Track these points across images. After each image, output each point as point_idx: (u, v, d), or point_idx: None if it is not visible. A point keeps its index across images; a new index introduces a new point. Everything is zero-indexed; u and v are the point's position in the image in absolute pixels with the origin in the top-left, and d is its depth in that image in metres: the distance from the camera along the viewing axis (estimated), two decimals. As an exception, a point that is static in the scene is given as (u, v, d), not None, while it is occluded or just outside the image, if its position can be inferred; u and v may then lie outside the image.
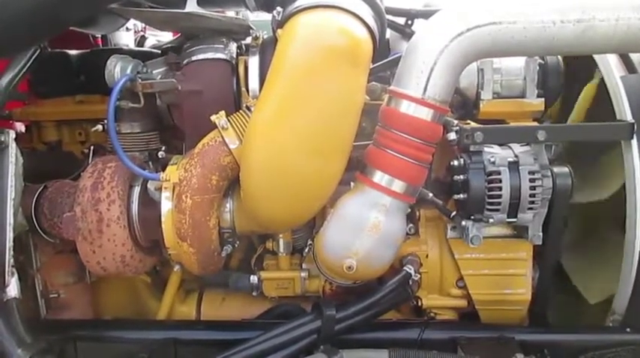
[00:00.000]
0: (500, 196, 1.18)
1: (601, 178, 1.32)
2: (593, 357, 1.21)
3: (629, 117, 1.21)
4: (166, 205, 1.25)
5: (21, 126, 1.74)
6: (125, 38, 2.10)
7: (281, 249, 1.40)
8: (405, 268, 1.26)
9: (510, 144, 1.24)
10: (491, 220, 1.20)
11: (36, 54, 1.26)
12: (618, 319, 1.25)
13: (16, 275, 1.20)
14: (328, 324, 1.18)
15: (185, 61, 1.35)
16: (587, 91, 1.35)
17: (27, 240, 1.48)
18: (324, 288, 1.41)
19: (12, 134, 1.23)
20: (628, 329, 1.23)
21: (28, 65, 1.25)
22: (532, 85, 1.29)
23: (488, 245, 1.29)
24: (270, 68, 1.12)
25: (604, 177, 1.31)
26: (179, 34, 1.65)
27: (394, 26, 1.51)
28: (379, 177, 1.10)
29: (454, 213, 1.28)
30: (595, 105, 1.34)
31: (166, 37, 2.35)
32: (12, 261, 1.19)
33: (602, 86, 1.29)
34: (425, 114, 1.08)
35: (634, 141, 1.20)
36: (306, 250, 1.38)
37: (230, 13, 1.68)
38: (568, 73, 1.32)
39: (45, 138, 1.76)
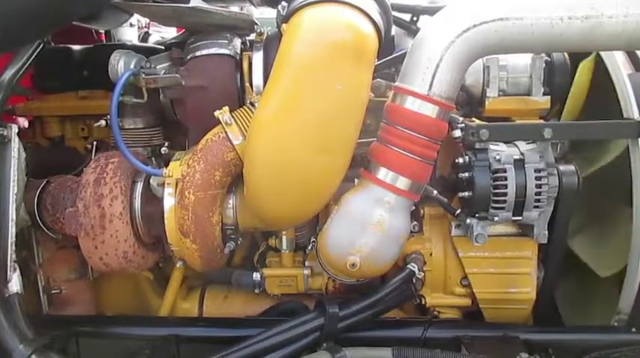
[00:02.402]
0: (505, 194, 1.17)
1: (599, 149, 1.32)
2: (598, 357, 1.19)
3: (636, 116, 1.20)
4: (169, 201, 1.24)
5: (24, 122, 1.74)
6: (129, 34, 2.09)
7: (284, 246, 1.40)
8: (408, 266, 1.25)
9: (516, 142, 1.24)
10: (496, 218, 1.19)
11: (39, 48, 1.26)
12: (624, 319, 1.24)
13: (18, 271, 1.19)
14: (331, 322, 1.17)
15: (189, 57, 1.34)
16: (584, 68, 1.33)
17: (29, 235, 1.48)
18: (327, 286, 1.41)
19: (15, 129, 1.22)
20: (633, 329, 1.22)
21: (31, 60, 1.24)
22: (538, 83, 1.28)
23: (493, 243, 1.28)
24: (274, 63, 1.11)
25: (602, 146, 1.31)
26: (183, 30, 1.64)
27: (399, 23, 1.50)
28: (384, 173, 1.09)
29: (459, 210, 1.27)
30: (598, 101, 1.33)
31: (170, 33, 2.34)
32: (14, 256, 1.18)
33: (604, 76, 1.27)
34: (430, 110, 1.07)
35: (641, 140, 1.19)
36: (309, 247, 1.37)
37: (234, 9, 1.67)
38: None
39: (48, 134, 1.76)
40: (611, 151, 1.28)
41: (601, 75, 1.29)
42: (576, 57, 1.34)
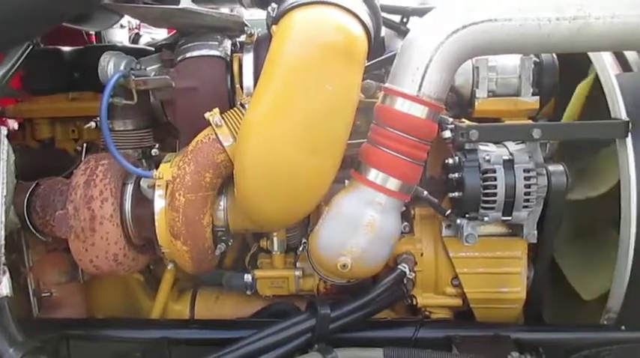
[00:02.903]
0: (495, 194, 1.18)
1: (596, 175, 1.32)
2: (588, 355, 1.20)
3: (624, 116, 1.21)
4: (160, 203, 1.24)
5: (13, 124, 1.73)
6: (119, 35, 2.08)
7: (275, 248, 1.40)
8: (399, 267, 1.26)
9: (505, 143, 1.24)
10: (486, 218, 1.20)
11: (28, 50, 1.25)
12: (613, 317, 1.25)
13: (7, 274, 1.18)
14: (323, 323, 1.17)
15: (179, 58, 1.34)
16: (581, 90, 1.35)
17: (19, 238, 1.47)
18: (318, 287, 1.41)
19: (4, 131, 1.21)
20: (623, 327, 1.23)
21: (20, 61, 1.24)
22: (527, 84, 1.28)
23: (483, 243, 1.29)
24: (264, 65, 1.11)
25: (599, 173, 1.31)
26: (173, 32, 1.64)
27: (389, 24, 1.50)
28: (374, 174, 1.10)
29: (449, 211, 1.28)
30: (589, 104, 1.34)
31: (160, 34, 2.33)
32: (4, 259, 1.17)
33: (597, 84, 1.28)
34: (420, 111, 1.07)
35: (628, 140, 1.20)
36: (301, 248, 1.37)
37: (224, 10, 1.67)
38: (562, 70, 1.32)
39: (38, 136, 1.75)
40: (606, 182, 1.28)
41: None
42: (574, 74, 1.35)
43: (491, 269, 1.32)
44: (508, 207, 1.19)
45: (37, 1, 1.14)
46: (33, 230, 1.38)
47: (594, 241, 1.37)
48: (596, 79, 1.29)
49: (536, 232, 1.26)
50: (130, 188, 1.30)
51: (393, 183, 1.09)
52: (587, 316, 1.34)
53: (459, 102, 1.34)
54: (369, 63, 1.24)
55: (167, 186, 1.22)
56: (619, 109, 1.22)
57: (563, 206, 1.25)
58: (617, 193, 1.22)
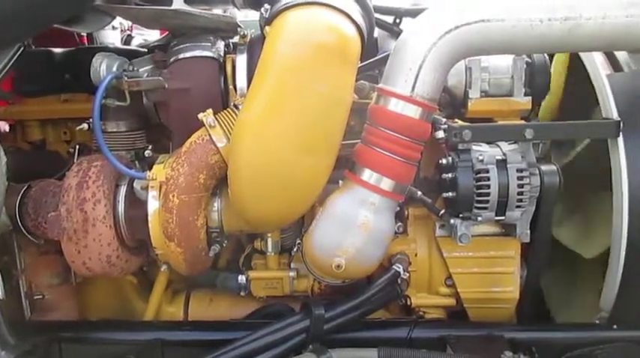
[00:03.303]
0: (488, 194, 1.18)
1: (588, 229, 1.35)
2: (581, 354, 1.21)
3: (615, 115, 1.22)
4: (153, 204, 1.23)
5: (5, 126, 1.72)
6: (111, 37, 2.08)
7: (269, 249, 1.39)
8: (393, 267, 1.26)
9: (498, 143, 1.25)
10: (479, 218, 1.20)
11: (20, 52, 1.24)
12: (605, 316, 1.26)
13: (-1, 276, 1.18)
14: (317, 323, 1.17)
15: (172, 59, 1.34)
16: (558, 65, 1.36)
17: (11, 240, 1.46)
18: (312, 288, 1.41)
19: (-5, 132, 1.21)
20: (615, 326, 1.24)
21: (11, 63, 1.23)
22: (519, 84, 1.29)
23: (477, 243, 1.29)
24: (257, 66, 1.11)
25: (593, 232, 1.34)
26: (166, 33, 1.64)
27: (382, 25, 1.51)
28: (368, 175, 1.10)
29: (443, 211, 1.28)
30: (580, 102, 1.35)
31: (153, 36, 2.33)
32: (-5, 261, 1.17)
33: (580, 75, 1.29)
34: (413, 112, 1.07)
35: (620, 139, 1.21)
36: (295, 249, 1.37)
37: (217, 11, 1.67)
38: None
39: (29, 138, 1.74)
40: (582, 139, 1.30)
41: (579, 74, 1.31)
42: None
43: (485, 269, 1.32)
44: (501, 207, 1.19)
45: (28, 3, 1.13)
46: (25, 232, 1.37)
47: (587, 206, 1.38)
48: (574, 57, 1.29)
49: (529, 232, 1.27)
50: (123, 189, 1.29)
51: (386, 184, 1.09)
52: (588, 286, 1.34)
53: (451, 103, 1.34)
54: (362, 63, 1.24)
55: (161, 188, 1.22)
56: (610, 109, 1.22)
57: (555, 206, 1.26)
58: (590, 151, 1.23)
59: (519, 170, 1.19)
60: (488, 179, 1.18)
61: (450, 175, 1.22)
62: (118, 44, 2.09)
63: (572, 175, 1.31)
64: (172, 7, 1.29)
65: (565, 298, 1.42)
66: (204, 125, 1.21)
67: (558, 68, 1.38)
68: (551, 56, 1.33)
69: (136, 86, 1.33)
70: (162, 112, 1.40)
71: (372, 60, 1.31)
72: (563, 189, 1.27)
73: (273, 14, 1.15)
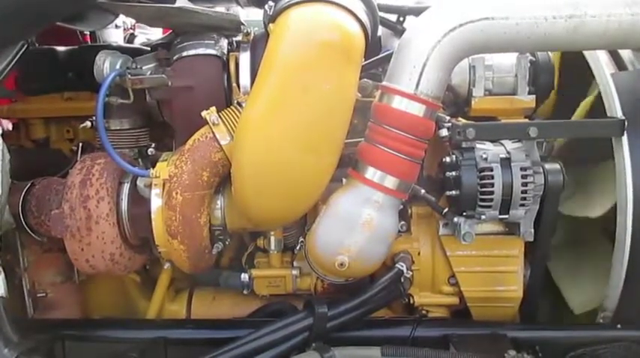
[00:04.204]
0: (492, 193, 1.18)
1: (593, 193, 1.32)
2: (584, 354, 1.21)
3: (620, 114, 1.22)
4: (156, 202, 1.23)
5: (8, 124, 1.72)
6: (114, 35, 2.08)
7: (272, 247, 1.39)
8: (397, 265, 1.25)
9: (502, 141, 1.25)
10: (483, 217, 1.20)
11: (23, 50, 1.24)
12: (609, 315, 1.25)
13: (2, 274, 1.17)
14: (320, 322, 1.17)
15: (175, 57, 1.34)
16: (581, 111, 1.35)
17: (14, 238, 1.46)
18: (315, 286, 1.41)
19: (-2, 130, 1.21)
20: (619, 326, 1.24)
21: (14, 61, 1.23)
22: (523, 82, 1.28)
23: (480, 242, 1.29)
24: (261, 63, 1.11)
25: (596, 192, 1.32)
26: (169, 32, 1.64)
27: (386, 23, 1.50)
28: (371, 173, 1.09)
29: (446, 209, 1.28)
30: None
31: (156, 34, 2.33)
32: (-1, 259, 1.17)
33: (599, 102, 1.28)
34: (417, 109, 1.07)
35: (624, 138, 1.20)
36: (298, 247, 1.37)
37: (220, 9, 1.67)
38: (564, 70, 1.32)
39: (33, 136, 1.75)
40: (603, 204, 1.28)
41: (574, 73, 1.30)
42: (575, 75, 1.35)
43: (488, 268, 1.32)
44: (505, 206, 1.19)
45: (31, 0, 1.13)
46: (28, 230, 1.38)
47: (586, 252, 1.37)
48: (598, 99, 1.28)
49: (532, 231, 1.26)
50: (126, 187, 1.30)
51: (390, 182, 1.09)
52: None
53: (455, 101, 1.34)
54: (366, 62, 1.24)
55: (164, 185, 1.22)
56: (615, 108, 1.22)
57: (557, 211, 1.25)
58: (614, 214, 1.21)
59: (523, 168, 1.18)
60: (492, 177, 1.17)
61: (453, 174, 1.21)
62: (121, 43, 2.09)
63: (582, 230, 1.32)
64: (176, 5, 1.29)
65: (572, 275, 1.40)
66: (207, 123, 1.21)
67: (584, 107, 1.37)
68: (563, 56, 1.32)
69: (139, 84, 1.33)
70: (166, 110, 1.40)
71: (375, 58, 1.31)
72: (564, 231, 1.28)
73: (277, 12, 1.15)
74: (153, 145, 1.42)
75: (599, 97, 1.27)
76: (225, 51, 1.37)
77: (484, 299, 1.34)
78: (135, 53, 1.44)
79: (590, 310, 1.31)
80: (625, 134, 1.20)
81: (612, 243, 1.22)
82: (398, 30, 1.51)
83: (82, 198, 1.23)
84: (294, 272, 1.39)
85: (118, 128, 1.42)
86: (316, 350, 1.09)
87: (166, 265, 1.35)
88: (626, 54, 1.33)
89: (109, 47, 1.51)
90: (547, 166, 1.24)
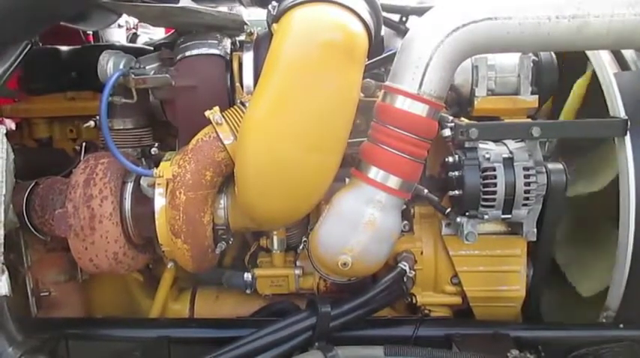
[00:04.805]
0: (495, 192, 1.18)
1: (594, 170, 1.33)
2: (587, 353, 1.21)
3: (622, 114, 1.22)
4: (160, 201, 1.24)
5: (11, 124, 1.73)
6: (117, 35, 2.08)
7: (275, 246, 1.40)
8: (399, 265, 1.26)
9: (505, 141, 1.25)
10: (486, 216, 1.20)
11: (26, 49, 1.24)
12: (612, 315, 1.25)
13: (6, 273, 1.18)
14: (323, 321, 1.17)
15: (179, 57, 1.34)
16: (578, 88, 1.35)
17: (18, 237, 1.47)
18: (318, 285, 1.41)
19: (2, 130, 1.21)
20: (621, 325, 1.24)
21: (18, 61, 1.23)
22: (526, 82, 1.29)
23: (483, 241, 1.29)
24: (265, 63, 1.11)
25: (597, 169, 1.32)
26: (172, 32, 1.64)
27: (389, 23, 1.51)
28: (374, 172, 1.10)
29: (449, 209, 1.28)
30: (588, 101, 1.35)
31: (158, 34, 2.33)
32: (2, 258, 1.17)
33: (594, 82, 1.28)
34: (420, 109, 1.07)
35: (627, 138, 1.20)
36: (301, 247, 1.37)
37: (223, 9, 1.67)
38: (561, 68, 1.32)
39: (36, 135, 1.75)
40: (604, 177, 1.29)
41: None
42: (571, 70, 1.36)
43: (491, 268, 1.32)
44: (508, 205, 1.19)
45: (34, 0, 1.14)
46: (32, 229, 1.38)
47: (593, 238, 1.37)
48: (594, 77, 1.29)
49: (535, 230, 1.26)
50: (129, 186, 1.30)
51: (393, 181, 1.09)
52: (584, 315, 1.34)
53: (458, 101, 1.34)
54: (369, 61, 1.24)
55: (167, 185, 1.22)
56: (617, 108, 1.22)
57: (563, 204, 1.25)
58: (616, 188, 1.22)
59: (526, 168, 1.18)
60: (495, 177, 1.18)
61: (456, 173, 1.21)
62: (124, 42, 2.09)
63: (585, 207, 1.32)
64: (179, 5, 1.29)
65: (578, 260, 1.39)
66: (210, 122, 1.21)
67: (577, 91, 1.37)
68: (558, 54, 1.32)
69: (142, 84, 1.33)
70: (169, 110, 1.41)
71: (378, 58, 1.32)
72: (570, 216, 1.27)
73: (281, 12, 1.15)
74: (156, 145, 1.42)
75: (594, 76, 1.27)
76: (229, 51, 1.37)
77: (487, 298, 1.34)
78: (138, 53, 1.44)
79: (597, 292, 1.29)
80: (628, 134, 1.20)
81: (616, 226, 1.21)
82: (401, 30, 1.51)
83: (86, 198, 1.23)
84: (297, 271, 1.39)
85: (122, 128, 1.42)
86: (319, 350, 1.09)
87: (169, 264, 1.36)
88: (629, 54, 1.33)
89: (112, 47, 1.52)
90: (550, 166, 1.24)
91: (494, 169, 1.18)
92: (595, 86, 1.28)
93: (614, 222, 1.22)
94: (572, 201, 1.31)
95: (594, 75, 1.29)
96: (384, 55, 1.33)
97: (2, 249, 1.17)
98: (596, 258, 1.32)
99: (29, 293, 1.51)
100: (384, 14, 1.43)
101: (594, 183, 1.30)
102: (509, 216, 1.21)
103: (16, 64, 1.23)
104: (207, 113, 1.21)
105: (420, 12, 1.48)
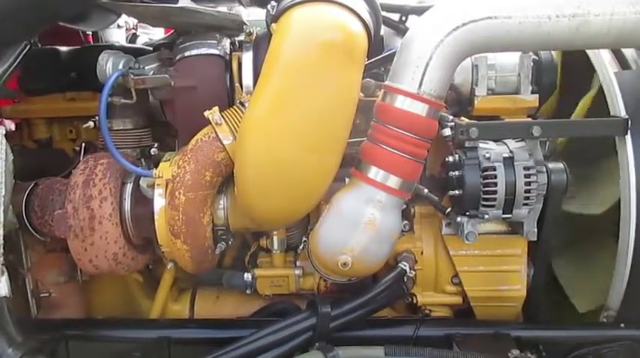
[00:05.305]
0: (495, 192, 1.18)
1: (596, 189, 1.32)
2: (587, 353, 1.20)
3: (623, 113, 1.21)
4: (159, 202, 1.24)
5: (11, 124, 1.72)
6: (116, 35, 2.08)
7: (275, 247, 1.39)
8: (399, 265, 1.25)
9: (505, 140, 1.24)
10: (486, 216, 1.20)
11: (26, 50, 1.24)
12: (612, 315, 1.25)
13: (6, 274, 1.17)
14: (323, 321, 1.17)
15: (178, 57, 1.34)
16: (583, 105, 1.35)
17: (17, 238, 1.47)
18: (318, 286, 1.41)
19: (2, 130, 1.21)
20: (622, 325, 1.23)
21: (17, 61, 1.23)
22: (526, 81, 1.28)
23: (484, 241, 1.29)
24: (264, 63, 1.11)
25: (599, 189, 1.32)
26: (171, 32, 1.64)
27: (388, 22, 1.50)
28: (374, 172, 1.09)
29: (449, 209, 1.27)
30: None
31: (158, 34, 2.33)
32: (2, 259, 1.17)
33: (600, 96, 1.28)
34: (420, 109, 1.07)
35: (628, 137, 1.20)
36: (301, 247, 1.37)
37: (223, 9, 1.66)
38: (566, 69, 1.32)
39: (35, 136, 1.75)
40: (606, 200, 1.28)
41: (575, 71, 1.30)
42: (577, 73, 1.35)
43: (492, 267, 1.32)
44: (508, 205, 1.19)
45: (33, 0, 1.14)
46: (31, 230, 1.38)
47: (590, 251, 1.37)
48: (599, 93, 1.28)
49: (536, 230, 1.26)
50: (129, 187, 1.30)
51: (393, 181, 1.09)
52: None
53: (458, 100, 1.34)
54: (368, 61, 1.24)
55: (167, 185, 1.22)
56: (618, 107, 1.22)
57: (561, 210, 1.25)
58: (617, 211, 1.21)
59: (526, 168, 1.18)
60: (495, 177, 1.17)
61: (456, 173, 1.21)
62: (124, 43, 2.09)
63: (584, 227, 1.32)
64: (178, 5, 1.29)
65: (576, 274, 1.40)
66: (210, 123, 1.21)
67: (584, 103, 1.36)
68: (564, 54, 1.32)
69: (142, 84, 1.33)
70: (168, 110, 1.41)
71: (378, 57, 1.31)
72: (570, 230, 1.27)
73: (280, 11, 1.15)
74: (155, 145, 1.42)
75: (600, 93, 1.27)
76: (228, 51, 1.37)
77: (487, 298, 1.34)
78: (137, 53, 1.44)
79: (593, 309, 1.30)
80: (628, 133, 1.20)
81: (616, 242, 1.22)
82: (400, 29, 1.50)
83: (85, 198, 1.23)
84: (297, 271, 1.39)
85: (121, 128, 1.42)
86: (319, 350, 1.09)
87: (169, 265, 1.35)
88: (629, 53, 1.33)
89: (111, 47, 1.51)
90: (550, 165, 1.23)
91: (494, 169, 1.18)
92: (600, 100, 1.27)
93: (613, 235, 1.22)
94: (571, 216, 1.32)
95: (600, 91, 1.27)
96: (383, 55, 1.32)
97: (2, 250, 1.17)
98: (593, 274, 1.32)
99: (29, 294, 1.51)
100: (384, 13, 1.43)
101: (595, 204, 1.30)
102: (510, 215, 1.21)
103: (15, 64, 1.23)
104: (206, 113, 1.21)
105: (419, 11, 1.48)
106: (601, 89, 1.27)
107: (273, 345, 1.16)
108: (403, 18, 1.52)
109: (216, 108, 1.22)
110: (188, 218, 1.19)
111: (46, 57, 1.69)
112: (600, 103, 1.27)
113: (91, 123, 1.44)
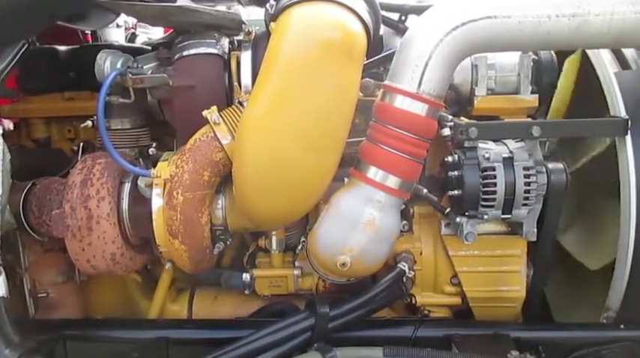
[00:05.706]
0: (494, 192, 1.17)
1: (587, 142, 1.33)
2: (587, 354, 1.20)
3: (623, 113, 1.21)
4: (157, 202, 1.23)
5: (9, 124, 1.72)
6: (115, 35, 2.08)
7: (274, 247, 1.39)
8: (399, 265, 1.25)
9: (505, 140, 1.24)
10: (485, 216, 1.19)
11: (24, 49, 1.24)
12: (612, 316, 1.25)
13: (3, 274, 1.17)
14: (322, 322, 1.17)
15: (176, 56, 1.33)
16: (570, 65, 1.34)
17: (15, 238, 1.46)
18: (317, 286, 1.40)
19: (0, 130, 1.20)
20: (622, 326, 1.23)
21: (15, 60, 1.23)
22: (526, 81, 1.28)
23: (483, 242, 1.28)
24: (263, 62, 1.11)
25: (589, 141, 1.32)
26: (170, 31, 1.63)
27: (387, 22, 1.50)
28: (373, 172, 1.09)
29: (448, 209, 1.27)
30: (586, 101, 1.34)
31: (157, 34, 2.33)
32: (-1, 259, 1.17)
33: (585, 57, 1.27)
34: (419, 109, 1.07)
35: (628, 138, 1.20)
36: (299, 247, 1.36)
37: (221, 8, 1.66)
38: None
39: (34, 136, 1.74)
40: (595, 147, 1.29)
41: (588, 74, 1.30)
42: (563, 56, 1.35)
43: (491, 268, 1.31)
44: (508, 205, 1.19)
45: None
46: (29, 230, 1.37)
47: (594, 213, 1.36)
48: (585, 57, 1.28)
49: (535, 230, 1.26)
50: (127, 187, 1.29)
51: (392, 181, 1.09)
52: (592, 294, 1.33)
53: (457, 100, 1.33)
54: (368, 61, 1.23)
55: (165, 185, 1.22)
56: (618, 107, 1.21)
57: (563, 202, 1.24)
58: (607, 157, 1.21)
59: (526, 168, 1.18)
60: (495, 177, 1.17)
61: (456, 173, 1.21)
62: (122, 42, 2.09)
63: (581, 182, 1.30)
64: (177, 4, 1.29)
65: (567, 304, 1.41)
66: (208, 122, 1.20)
67: (569, 68, 1.36)
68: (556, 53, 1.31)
69: (140, 83, 1.33)
70: (167, 109, 1.40)
71: (377, 57, 1.31)
72: (571, 195, 1.26)
73: (279, 10, 1.15)
74: (154, 145, 1.41)
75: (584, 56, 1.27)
76: (227, 50, 1.36)
77: (486, 299, 1.33)
78: (136, 52, 1.43)
79: (608, 263, 1.28)
80: (628, 133, 1.19)
81: (616, 197, 1.21)
82: (400, 29, 1.50)
83: (83, 198, 1.23)
84: (296, 272, 1.39)
85: (119, 127, 1.42)
86: (318, 351, 1.09)
87: (167, 265, 1.35)
88: (629, 53, 1.33)
89: (110, 46, 1.51)
90: (550, 165, 1.23)
91: (494, 169, 1.17)
92: (595, 85, 1.27)
93: (613, 194, 1.21)
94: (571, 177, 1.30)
95: (586, 56, 1.27)
96: (383, 54, 1.32)
97: (-1, 250, 1.17)
98: (600, 234, 1.31)
99: (27, 294, 1.50)
100: (383, 13, 1.42)
101: (593, 259, 1.30)
102: (509, 215, 1.20)
103: (12, 63, 1.22)
104: (204, 113, 1.20)
105: (419, 11, 1.48)
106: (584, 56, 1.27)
107: (271, 346, 1.15)
108: (402, 17, 1.52)
109: (214, 108, 1.21)
110: (186, 218, 1.19)
111: (45, 56, 1.69)
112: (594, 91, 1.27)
113: (89, 123, 1.44)
